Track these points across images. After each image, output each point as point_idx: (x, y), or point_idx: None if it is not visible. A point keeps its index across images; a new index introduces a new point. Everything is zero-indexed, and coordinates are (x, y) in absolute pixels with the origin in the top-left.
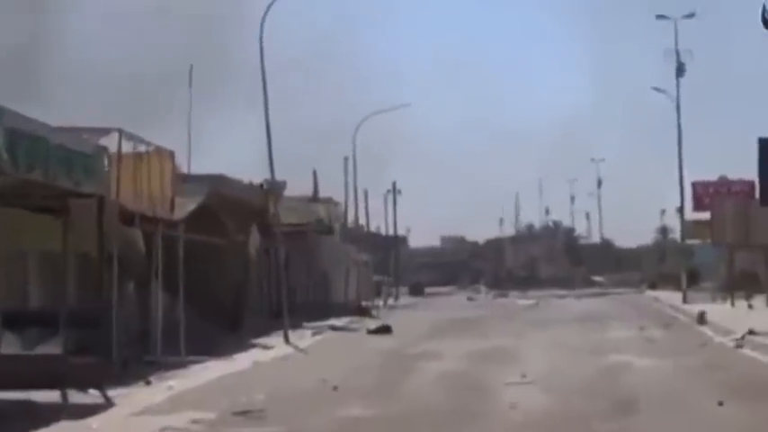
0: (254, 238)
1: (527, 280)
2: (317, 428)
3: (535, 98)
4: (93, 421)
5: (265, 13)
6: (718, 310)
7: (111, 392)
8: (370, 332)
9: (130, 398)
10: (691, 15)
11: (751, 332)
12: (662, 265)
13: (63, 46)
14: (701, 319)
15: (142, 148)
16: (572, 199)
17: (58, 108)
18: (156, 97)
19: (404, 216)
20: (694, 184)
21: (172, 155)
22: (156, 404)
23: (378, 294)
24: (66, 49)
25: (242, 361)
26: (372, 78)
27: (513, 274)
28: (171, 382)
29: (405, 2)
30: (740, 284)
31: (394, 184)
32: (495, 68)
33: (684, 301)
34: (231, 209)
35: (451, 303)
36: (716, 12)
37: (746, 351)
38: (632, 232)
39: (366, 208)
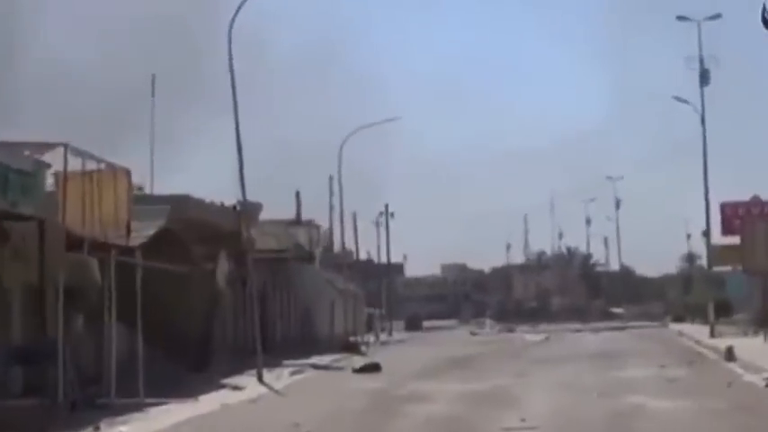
0: (223, 266)
1: (537, 313)
2: None
3: (545, 112)
4: None
5: (234, 17)
6: (749, 345)
7: None
8: (356, 371)
9: None
10: (716, 17)
11: None
12: (688, 295)
13: (24, 50)
14: (730, 355)
15: (93, 166)
16: (587, 222)
17: (11, 123)
18: (121, 113)
19: (399, 242)
20: (723, 206)
21: (128, 173)
22: None
23: (369, 329)
24: (28, 54)
25: (207, 403)
26: (364, 92)
27: (521, 306)
28: (123, 428)
29: (406, 11)
30: None
31: (386, 207)
32: (499, 82)
33: (712, 335)
34: (197, 233)
35: (452, 338)
36: (744, 13)
37: None
38: (655, 259)
39: (355, 232)
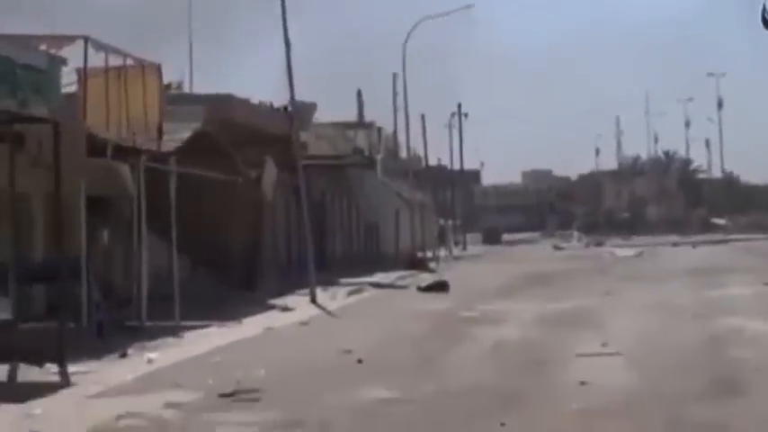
0: (271, 173)
1: (630, 224)
2: (320, 415)
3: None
4: (37, 405)
5: None
6: None
7: (76, 367)
8: (422, 290)
9: (97, 374)
10: None
11: None
12: None
13: None
14: None
15: (119, 61)
16: (687, 124)
17: (46, 22)
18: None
19: (475, 148)
20: None
21: (158, 68)
22: (126, 383)
23: (441, 243)
24: None
25: (251, 326)
26: None
27: (612, 217)
28: (152, 354)
29: None
30: None
31: (459, 106)
32: None
33: None
34: (241, 137)
35: (534, 253)
36: None
37: None
38: (762, 165)
39: (424, 135)
